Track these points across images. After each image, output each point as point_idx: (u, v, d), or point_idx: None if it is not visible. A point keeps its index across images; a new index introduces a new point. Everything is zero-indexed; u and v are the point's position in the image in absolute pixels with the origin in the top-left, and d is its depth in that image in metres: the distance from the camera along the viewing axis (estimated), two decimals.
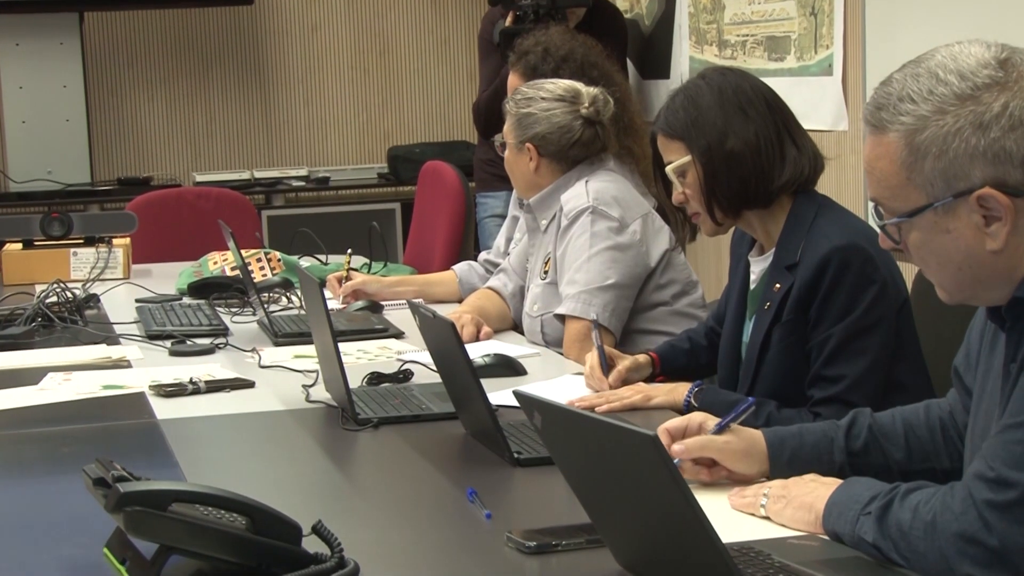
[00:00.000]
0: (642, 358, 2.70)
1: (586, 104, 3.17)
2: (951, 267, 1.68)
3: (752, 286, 2.53)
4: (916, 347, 2.45)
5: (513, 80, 3.62)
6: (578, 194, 3.11)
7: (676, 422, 2.01)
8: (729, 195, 2.45)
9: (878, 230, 1.74)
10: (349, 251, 3.85)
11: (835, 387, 2.36)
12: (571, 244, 3.07)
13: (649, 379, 2.68)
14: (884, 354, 2.37)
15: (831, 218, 2.43)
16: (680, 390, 2.49)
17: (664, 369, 2.73)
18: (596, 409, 2.45)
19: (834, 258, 2.35)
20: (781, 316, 2.41)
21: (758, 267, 2.52)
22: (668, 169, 2.49)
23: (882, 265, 2.37)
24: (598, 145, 3.20)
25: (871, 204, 1.73)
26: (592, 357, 2.65)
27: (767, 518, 1.83)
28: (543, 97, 3.18)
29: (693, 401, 2.46)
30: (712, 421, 2.01)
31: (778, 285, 2.42)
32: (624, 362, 2.65)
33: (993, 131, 1.61)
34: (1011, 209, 1.62)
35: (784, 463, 1.95)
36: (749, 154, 2.43)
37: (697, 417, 2.01)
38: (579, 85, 3.23)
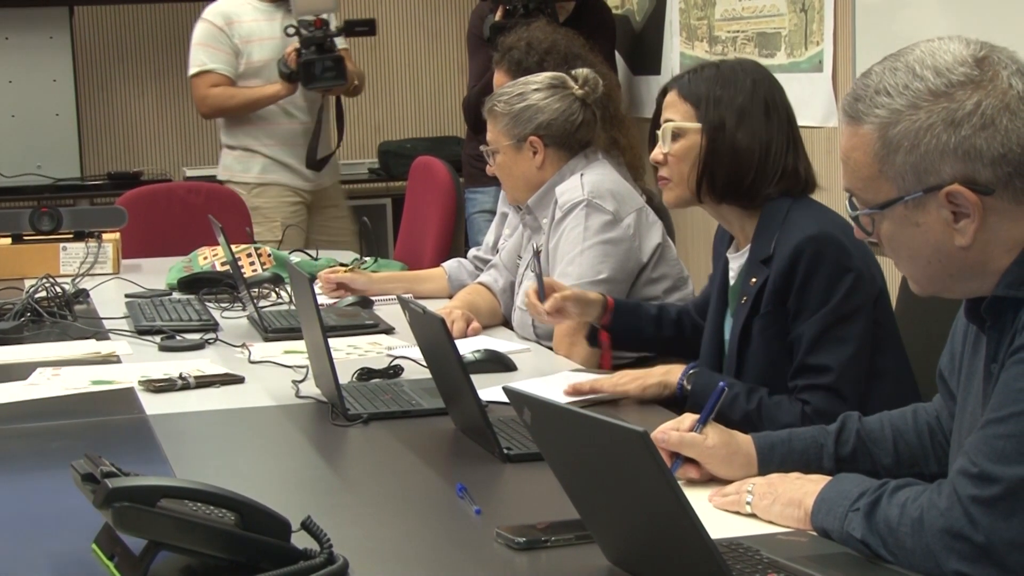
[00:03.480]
0: (592, 295, 2.72)
1: (578, 84, 3.16)
2: (921, 260, 1.69)
3: (731, 283, 2.53)
4: (896, 336, 2.45)
5: (499, 78, 3.60)
6: (573, 187, 3.09)
7: (667, 425, 2.01)
8: (722, 180, 2.45)
9: (851, 221, 1.75)
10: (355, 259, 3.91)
11: (822, 377, 2.36)
12: (564, 237, 3.06)
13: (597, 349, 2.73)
14: (865, 342, 2.38)
15: (804, 211, 2.44)
16: (675, 372, 2.49)
17: (617, 324, 2.73)
18: (585, 390, 2.48)
19: (807, 247, 2.36)
20: (759, 309, 2.42)
21: (736, 263, 2.52)
22: (667, 126, 2.49)
23: (856, 255, 2.38)
24: (596, 126, 3.19)
25: (846, 194, 1.74)
26: (531, 284, 2.67)
27: (753, 515, 1.83)
28: (535, 89, 3.16)
29: (686, 384, 2.45)
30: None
31: (754, 279, 2.43)
32: (565, 291, 2.67)
33: (964, 129, 1.62)
34: (979, 206, 1.63)
35: (774, 469, 1.95)
36: (756, 152, 2.44)
37: (687, 421, 2.01)
38: (561, 73, 3.22)
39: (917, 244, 1.68)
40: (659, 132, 2.51)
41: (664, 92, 2.54)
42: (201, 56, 4.98)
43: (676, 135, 2.48)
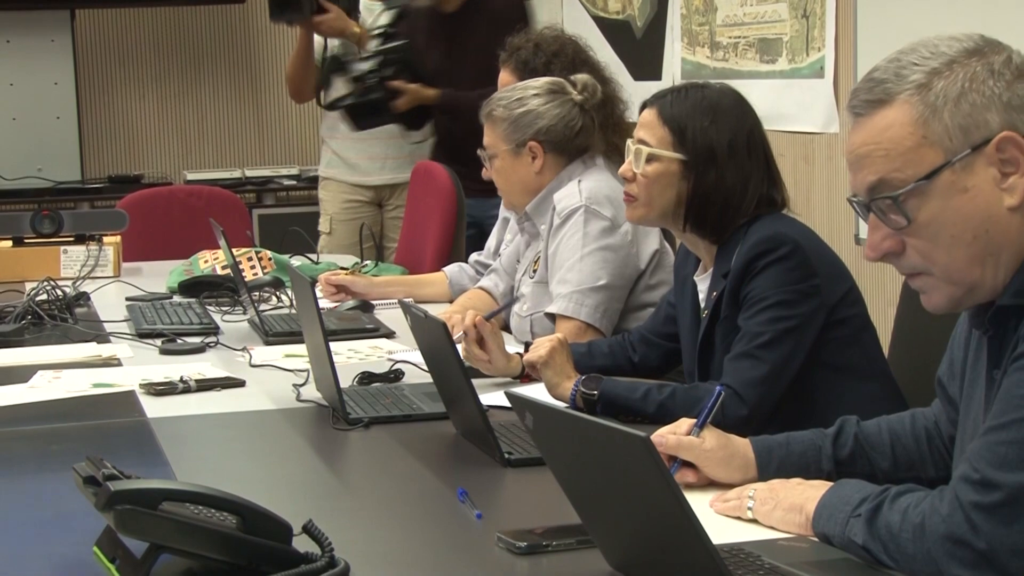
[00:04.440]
0: (514, 360, 2.68)
1: (578, 90, 3.15)
2: (966, 237, 1.63)
3: (702, 304, 2.53)
4: (867, 335, 2.45)
5: (505, 77, 3.59)
6: (571, 193, 3.09)
7: (665, 429, 2.02)
8: (707, 216, 2.44)
9: (877, 220, 1.66)
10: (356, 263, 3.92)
11: (748, 344, 2.35)
12: (563, 243, 3.06)
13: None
14: (809, 331, 2.36)
15: (763, 222, 2.43)
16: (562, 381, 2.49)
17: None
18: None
19: (760, 247, 2.37)
20: (719, 316, 2.42)
21: (703, 285, 2.52)
22: (642, 148, 2.46)
23: (813, 256, 2.38)
24: (594, 132, 3.18)
25: (856, 204, 1.69)
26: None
27: (754, 520, 1.83)
28: (534, 94, 3.14)
29: (583, 388, 2.43)
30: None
31: (715, 293, 2.43)
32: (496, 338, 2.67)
33: (1007, 76, 1.62)
34: None
35: (772, 472, 1.95)
36: (738, 189, 2.43)
37: (684, 425, 2.01)
38: (559, 79, 3.21)
39: (965, 214, 1.62)
40: (630, 147, 2.49)
41: (643, 107, 2.51)
42: None
43: (652, 159, 2.45)
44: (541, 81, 3.20)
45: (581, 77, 3.18)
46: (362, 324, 3.32)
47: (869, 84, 1.67)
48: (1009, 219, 1.62)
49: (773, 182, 2.48)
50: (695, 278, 2.55)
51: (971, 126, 1.61)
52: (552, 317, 3.06)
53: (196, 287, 3.78)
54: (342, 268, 3.92)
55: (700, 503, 1.87)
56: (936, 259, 1.66)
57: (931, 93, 1.62)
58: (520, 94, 3.15)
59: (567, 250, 3.04)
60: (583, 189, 3.08)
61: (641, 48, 5.55)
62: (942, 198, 1.62)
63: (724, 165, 2.42)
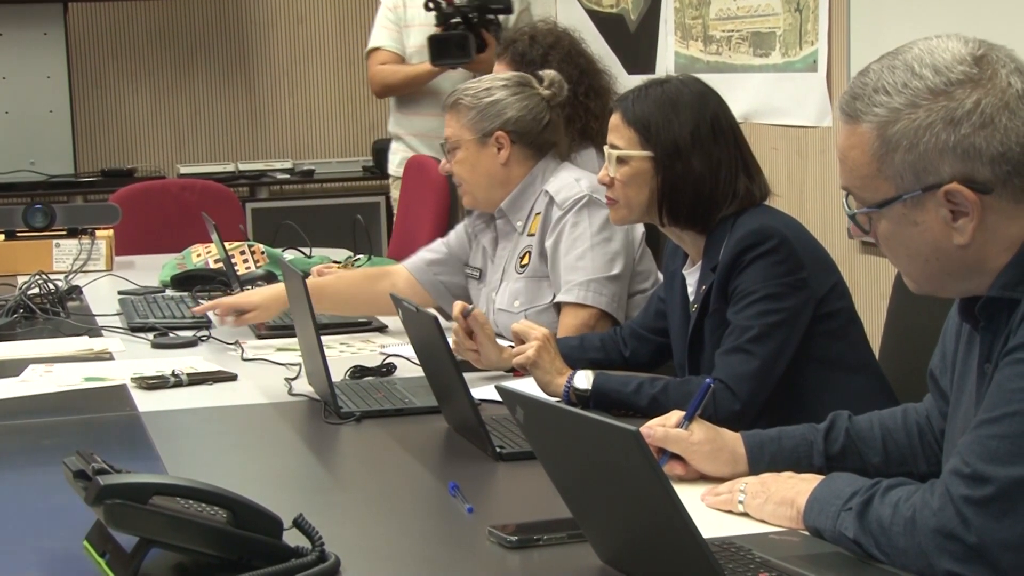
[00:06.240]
0: (506, 354, 2.65)
1: (544, 85, 3.11)
2: (919, 259, 1.69)
3: (691, 299, 2.53)
4: (854, 328, 2.46)
5: (500, 69, 3.57)
6: (569, 184, 3.05)
7: (654, 421, 2.01)
8: (683, 208, 2.45)
9: (848, 219, 1.74)
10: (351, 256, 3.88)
11: (738, 339, 2.35)
12: (568, 233, 3.00)
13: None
14: (798, 325, 2.37)
15: (750, 215, 2.43)
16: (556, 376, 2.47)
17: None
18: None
19: (747, 240, 2.37)
20: (708, 309, 2.42)
21: (692, 279, 2.52)
22: (612, 152, 2.48)
23: (799, 247, 2.38)
24: (561, 128, 3.15)
25: (842, 193, 1.73)
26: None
27: (745, 514, 1.83)
28: (502, 85, 3.09)
29: (575, 384, 2.41)
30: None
31: (704, 287, 2.44)
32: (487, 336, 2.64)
33: (964, 127, 1.62)
34: (978, 205, 1.63)
35: (764, 467, 1.95)
36: (708, 178, 2.43)
37: (673, 418, 2.01)
38: (526, 74, 3.16)
39: (916, 243, 1.67)
40: (605, 151, 2.50)
41: (610, 111, 2.53)
42: (374, 34, 5.14)
43: (624, 161, 2.47)
44: (508, 74, 3.17)
45: (548, 73, 3.15)
46: (354, 318, 3.32)
47: (851, 93, 1.69)
48: (960, 254, 1.66)
49: (747, 166, 2.48)
50: (683, 272, 2.55)
51: (922, 170, 1.63)
52: (558, 308, 3.02)
53: (189, 281, 3.78)
54: (335, 262, 3.92)
55: (691, 497, 1.87)
56: (899, 265, 1.73)
57: (889, 132, 1.65)
58: (488, 84, 3.10)
59: (574, 239, 2.99)
60: (581, 180, 3.05)
61: (634, 42, 5.55)
62: (894, 224, 1.68)
63: (690, 155, 2.43)
